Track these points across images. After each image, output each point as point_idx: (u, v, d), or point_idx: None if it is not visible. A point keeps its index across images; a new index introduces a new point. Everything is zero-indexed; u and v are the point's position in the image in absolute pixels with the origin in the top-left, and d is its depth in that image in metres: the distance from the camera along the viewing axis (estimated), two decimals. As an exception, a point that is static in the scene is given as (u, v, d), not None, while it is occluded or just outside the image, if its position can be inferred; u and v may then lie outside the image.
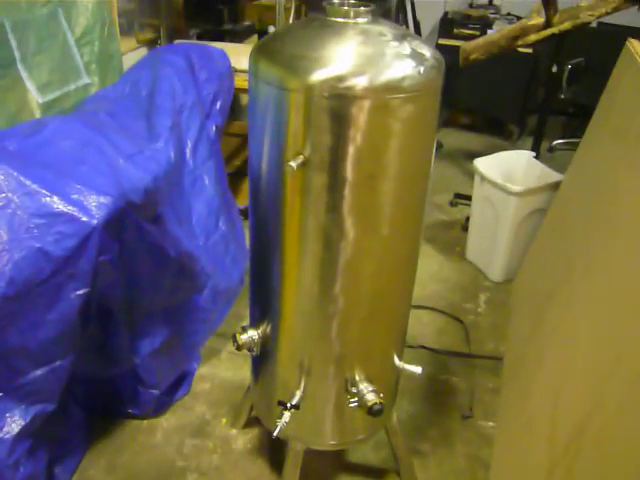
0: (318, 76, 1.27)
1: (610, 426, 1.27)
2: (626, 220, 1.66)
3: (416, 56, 1.34)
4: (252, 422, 2.19)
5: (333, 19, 1.37)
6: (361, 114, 1.28)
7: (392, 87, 1.28)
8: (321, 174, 1.35)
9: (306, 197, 1.39)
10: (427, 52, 1.37)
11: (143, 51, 3.35)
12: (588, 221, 2.05)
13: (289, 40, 1.39)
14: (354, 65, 1.28)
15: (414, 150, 1.40)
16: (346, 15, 1.36)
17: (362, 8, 1.37)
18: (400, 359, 1.75)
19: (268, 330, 1.66)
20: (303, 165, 1.33)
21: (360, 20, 1.37)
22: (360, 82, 1.26)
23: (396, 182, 1.39)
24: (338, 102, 1.28)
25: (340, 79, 1.26)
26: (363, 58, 1.30)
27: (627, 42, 2.55)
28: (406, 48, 1.34)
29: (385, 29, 1.37)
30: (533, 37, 3.23)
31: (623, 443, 1.21)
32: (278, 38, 1.43)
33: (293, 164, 1.31)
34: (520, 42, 3.26)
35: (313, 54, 1.30)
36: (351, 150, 1.32)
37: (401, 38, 1.37)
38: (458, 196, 3.88)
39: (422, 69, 1.32)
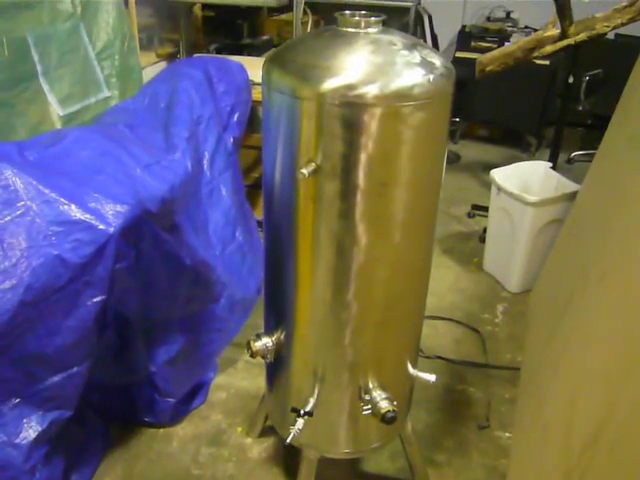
0: (329, 85, 1.29)
1: (623, 431, 1.26)
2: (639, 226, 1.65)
3: (426, 64, 1.35)
4: (267, 431, 2.20)
5: (344, 29, 1.40)
6: (372, 122, 1.30)
7: (402, 95, 1.30)
8: (333, 181, 1.37)
9: (318, 204, 1.41)
10: (437, 61, 1.39)
11: (163, 65, 3.41)
12: (603, 228, 2.04)
13: (301, 50, 1.42)
14: (365, 74, 1.30)
15: (425, 157, 1.41)
16: (357, 25, 1.39)
17: (373, 18, 1.39)
18: (414, 367, 1.76)
19: (282, 337, 1.67)
20: (315, 172, 1.35)
21: (371, 30, 1.39)
22: (371, 90, 1.28)
23: (407, 189, 1.40)
24: (349, 110, 1.30)
25: (351, 87, 1.28)
26: (374, 67, 1.32)
27: (643, 50, 2.56)
28: (416, 57, 1.36)
29: (395, 38, 1.39)
30: (549, 48, 3.22)
31: (636, 448, 1.20)
32: (290, 48, 1.45)
33: (305, 171, 1.33)
34: (536, 53, 3.26)
35: (325, 63, 1.33)
36: (362, 157, 1.33)
37: (411, 47, 1.38)
38: (476, 207, 3.88)
39: (432, 77, 1.33)
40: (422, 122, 1.34)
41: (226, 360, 2.51)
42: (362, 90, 1.28)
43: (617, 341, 1.51)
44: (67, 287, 1.59)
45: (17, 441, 1.65)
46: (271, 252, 1.64)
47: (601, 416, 1.41)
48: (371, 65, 1.32)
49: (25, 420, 1.67)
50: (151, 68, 3.23)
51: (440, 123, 1.41)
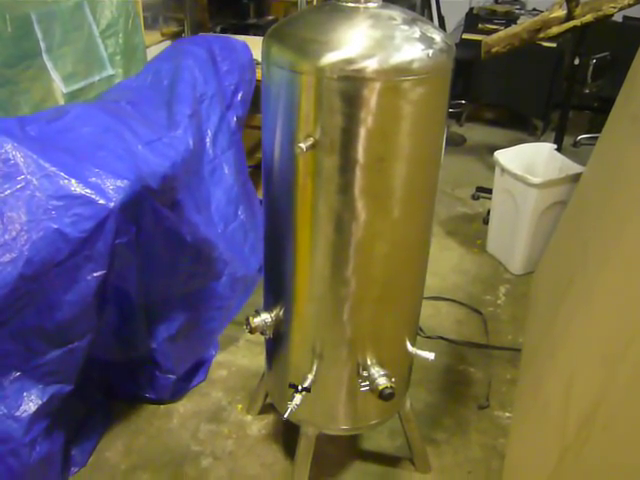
0: (328, 59, 1.28)
1: (618, 410, 1.27)
2: (640, 206, 1.65)
3: (426, 39, 1.35)
4: (267, 409, 2.21)
5: (344, 3, 1.39)
6: (371, 96, 1.30)
7: (401, 69, 1.29)
8: (332, 156, 1.36)
9: (317, 179, 1.41)
10: (437, 36, 1.38)
11: (167, 44, 3.38)
12: (605, 209, 2.03)
13: (300, 24, 1.42)
14: (364, 48, 1.29)
15: (424, 133, 1.40)
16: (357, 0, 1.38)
17: (372, -8, 1.38)
18: (413, 345, 1.76)
19: (281, 313, 1.68)
20: (313, 147, 1.35)
21: (370, 4, 1.38)
22: (370, 64, 1.27)
23: (406, 164, 1.40)
24: (348, 84, 1.29)
25: (350, 61, 1.28)
26: (373, 41, 1.31)
27: (649, 32, 2.54)
28: (416, 32, 1.35)
29: (395, 13, 1.39)
30: (555, 29, 3.20)
31: (630, 427, 1.20)
32: (290, 23, 1.45)
33: (303, 146, 1.33)
34: (542, 35, 3.24)
35: (324, 37, 1.32)
36: (361, 132, 1.33)
37: (411, 22, 1.38)
38: (480, 189, 3.87)
39: (431, 52, 1.33)
40: (421, 97, 1.34)
41: (227, 338, 2.52)
42: (361, 64, 1.27)
43: (615, 322, 1.51)
44: (67, 261, 1.59)
45: (17, 414, 1.66)
46: (270, 228, 1.64)
47: (597, 395, 1.41)
48: (370, 39, 1.31)
49: (25, 393, 1.68)
50: (155, 47, 3.20)
51: (439, 98, 1.41)
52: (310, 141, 1.34)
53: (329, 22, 1.35)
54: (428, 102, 1.37)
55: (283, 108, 1.40)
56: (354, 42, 1.30)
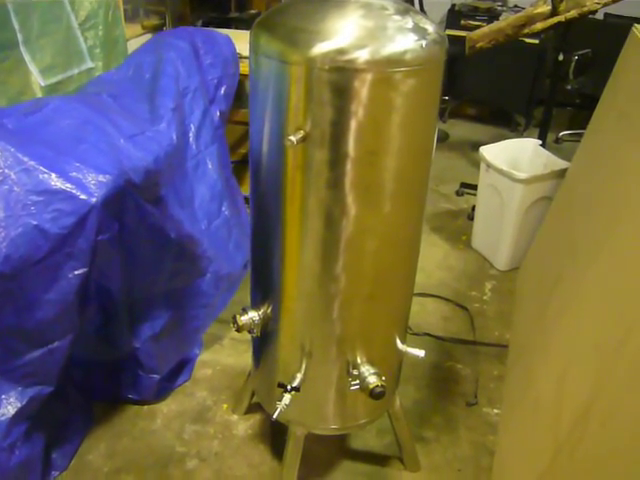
0: (319, 49, 1.25)
1: (616, 404, 1.25)
2: (632, 199, 1.63)
3: (418, 30, 1.31)
4: (254, 408, 2.17)
5: (335, -8, 1.35)
6: (362, 87, 1.26)
7: (394, 60, 1.26)
8: (322, 149, 1.33)
9: (307, 173, 1.37)
10: (430, 27, 1.35)
11: (148, 37, 3.33)
12: (594, 204, 2.02)
13: (290, 14, 1.37)
14: (356, 38, 1.25)
15: (416, 125, 1.37)
16: (348, -12, 1.34)
17: (364, -19, 1.34)
18: (403, 342, 1.73)
19: (269, 311, 1.64)
20: (303, 140, 1.31)
21: (362, -7, 1.34)
22: (361, 55, 1.23)
23: (398, 158, 1.37)
24: (339, 75, 1.25)
25: (341, 52, 1.24)
26: (365, 31, 1.27)
27: (633, 27, 2.54)
28: (408, 22, 1.32)
29: (387, 3, 1.35)
30: (539, 25, 3.19)
31: (628, 423, 1.18)
32: (279, 12, 1.40)
33: (293, 138, 1.29)
34: (526, 30, 3.22)
35: (314, 27, 1.28)
36: (352, 124, 1.29)
37: (403, 12, 1.34)
38: (464, 185, 3.86)
39: (424, 43, 1.29)
40: (414, 89, 1.30)
41: (212, 337, 2.48)
42: (353, 55, 1.23)
43: (607, 317, 1.50)
44: (47, 259, 1.54)
45: (-4, 417, 1.61)
46: (258, 223, 1.60)
47: (592, 392, 1.39)
48: (362, 29, 1.27)
49: (4, 396, 1.63)
50: (136, 40, 3.15)
51: (432, 90, 1.38)
52: (300, 134, 1.30)
53: (320, 11, 1.31)
54: (421, 94, 1.34)
55: (272, 100, 1.36)
56: (345, 32, 1.26)
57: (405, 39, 1.28)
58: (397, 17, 1.32)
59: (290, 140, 1.29)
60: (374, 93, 1.27)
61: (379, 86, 1.27)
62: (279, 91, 1.33)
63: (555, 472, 1.45)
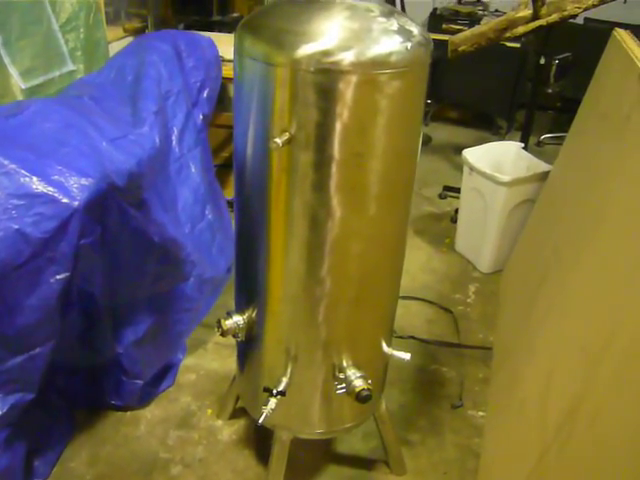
0: (304, 51, 1.24)
1: (604, 405, 1.25)
2: (614, 200, 1.64)
3: (404, 32, 1.31)
4: (238, 413, 2.15)
5: (320, -6, 1.34)
6: (347, 89, 1.25)
7: (379, 62, 1.25)
8: (307, 152, 1.32)
9: (292, 176, 1.36)
10: (415, 29, 1.35)
11: (130, 40, 3.30)
12: (577, 206, 2.03)
13: (275, 15, 1.36)
14: (341, 40, 1.25)
15: (401, 128, 1.37)
16: (333, -10, 1.33)
17: (349, -17, 1.34)
18: (389, 345, 1.72)
19: (254, 315, 1.63)
20: (289, 142, 1.30)
21: (347, -5, 1.34)
22: (347, 57, 1.23)
23: (383, 160, 1.36)
24: (324, 77, 1.25)
25: (326, 54, 1.23)
26: (350, 33, 1.27)
27: (613, 31, 2.57)
28: (394, 24, 1.32)
29: (372, 5, 1.34)
30: (521, 29, 3.21)
31: (615, 423, 1.18)
32: (264, 14, 1.40)
33: (278, 141, 1.28)
34: (508, 34, 3.24)
35: (299, 29, 1.27)
36: (337, 127, 1.29)
37: (389, 14, 1.34)
38: (447, 189, 3.87)
39: (409, 45, 1.29)
40: (399, 90, 1.30)
41: (195, 341, 2.46)
42: (338, 57, 1.23)
43: (593, 318, 1.50)
44: (28, 263, 1.52)
45: (-24, 425, 1.58)
46: (242, 227, 1.59)
47: (578, 392, 1.39)
48: (347, 31, 1.27)
49: (-16, 403, 1.60)
50: (118, 43, 3.12)
51: (417, 92, 1.37)
52: (286, 136, 1.29)
53: (305, 13, 1.31)
54: (406, 96, 1.33)
55: (257, 102, 1.35)
56: (331, 34, 1.25)
57: (390, 41, 1.28)
58: (382, 19, 1.32)
59: (275, 142, 1.28)
60: (359, 95, 1.27)
61: (364, 88, 1.27)
62: (264, 93, 1.32)
63: (542, 473, 1.45)
